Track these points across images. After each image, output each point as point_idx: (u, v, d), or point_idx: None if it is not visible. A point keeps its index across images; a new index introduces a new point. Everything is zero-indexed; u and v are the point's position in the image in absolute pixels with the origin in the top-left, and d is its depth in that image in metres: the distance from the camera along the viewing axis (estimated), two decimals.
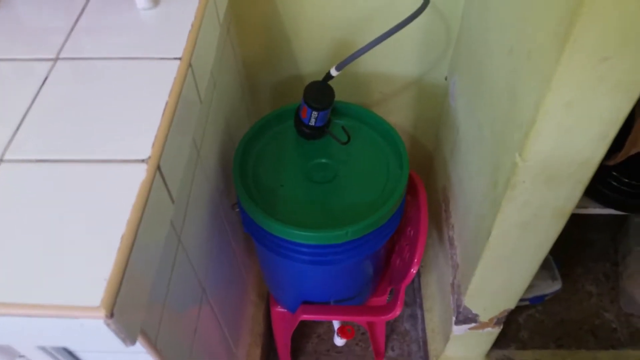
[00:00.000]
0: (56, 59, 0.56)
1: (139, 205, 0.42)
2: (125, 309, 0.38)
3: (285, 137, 0.86)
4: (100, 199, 0.43)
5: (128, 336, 0.38)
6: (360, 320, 1.14)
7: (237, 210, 0.83)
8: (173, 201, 0.49)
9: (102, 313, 0.35)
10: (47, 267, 0.38)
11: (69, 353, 0.54)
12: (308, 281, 0.89)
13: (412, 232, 0.88)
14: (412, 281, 0.85)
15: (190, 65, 0.55)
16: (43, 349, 0.51)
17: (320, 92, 0.80)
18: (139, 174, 0.44)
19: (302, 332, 1.22)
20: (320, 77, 0.81)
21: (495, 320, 0.90)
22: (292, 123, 0.86)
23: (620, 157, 0.70)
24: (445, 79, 0.99)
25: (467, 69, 0.84)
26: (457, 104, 0.90)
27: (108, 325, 0.36)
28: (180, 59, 0.54)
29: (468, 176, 0.82)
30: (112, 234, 0.40)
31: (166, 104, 0.49)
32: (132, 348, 0.49)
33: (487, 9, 0.72)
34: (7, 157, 0.46)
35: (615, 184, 0.84)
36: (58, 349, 0.52)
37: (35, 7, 0.63)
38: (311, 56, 0.97)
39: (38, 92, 0.52)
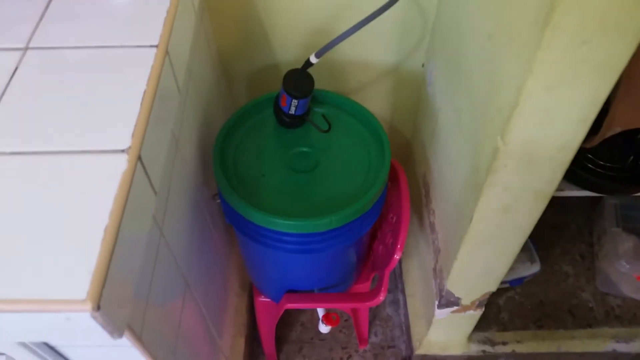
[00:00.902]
0: (26, 49, 0.54)
1: (121, 196, 0.41)
2: (111, 302, 0.37)
3: (264, 126, 0.85)
4: (80, 190, 0.41)
5: (115, 329, 0.38)
6: (345, 307, 1.14)
7: (218, 200, 0.82)
8: (155, 192, 0.48)
9: (89, 306, 0.35)
10: (30, 262, 0.37)
11: (51, 348, 0.53)
12: (292, 270, 0.89)
13: (394, 219, 0.88)
14: (394, 267, 0.85)
15: (167, 53, 0.53)
16: (24, 344, 0.49)
17: (299, 80, 0.79)
18: (120, 165, 0.42)
19: (286, 321, 1.22)
20: (296, 66, 0.81)
21: (477, 303, 0.92)
22: (272, 112, 0.85)
23: (597, 139, 0.71)
24: (422, 66, 0.99)
25: (444, 56, 0.84)
26: (434, 91, 0.91)
27: (95, 318, 0.35)
28: (156, 46, 0.53)
29: (448, 162, 0.83)
30: (95, 226, 0.39)
31: (144, 92, 0.48)
32: (117, 342, 0.48)
33: None
34: None
35: (590, 166, 0.86)
36: (39, 345, 0.50)
37: None
38: (287, 44, 0.96)
39: (8, 83, 0.51)
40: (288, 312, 1.22)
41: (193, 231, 0.75)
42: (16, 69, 0.52)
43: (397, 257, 0.83)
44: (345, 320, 1.22)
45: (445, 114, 0.84)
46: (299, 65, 0.80)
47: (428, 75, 0.95)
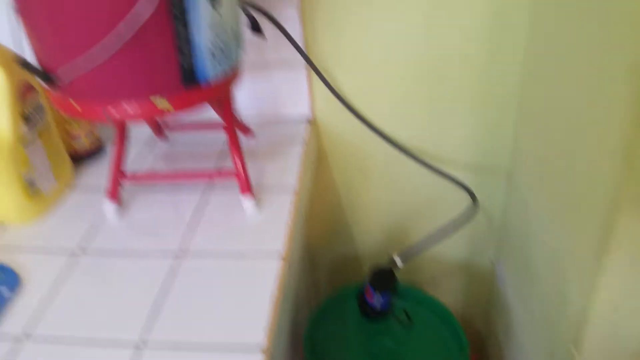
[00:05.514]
0: (178, 257, 0.68)
1: None
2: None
3: (349, 317, 0.94)
4: None
5: None
6: None
7: None
8: None
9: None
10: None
11: None
12: None
13: None
14: None
15: (289, 262, 0.66)
16: None
17: (385, 276, 0.89)
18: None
19: None
20: (375, 259, 0.91)
21: None
22: (356, 303, 0.94)
23: None
24: (492, 263, 1.08)
25: (513, 258, 0.93)
26: (506, 288, 0.98)
27: None
28: (283, 258, 0.66)
29: (524, 359, 0.87)
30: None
31: (275, 297, 0.60)
32: None
33: (527, 210, 0.84)
34: None
35: None
36: None
37: (153, 216, 0.76)
38: (368, 240, 1.09)
39: (168, 283, 0.64)
40: None
41: None
42: (171, 271, 0.66)
43: None
44: None
45: (519, 311, 0.90)
46: (378, 258, 0.90)
47: (498, 271, 1.04)
